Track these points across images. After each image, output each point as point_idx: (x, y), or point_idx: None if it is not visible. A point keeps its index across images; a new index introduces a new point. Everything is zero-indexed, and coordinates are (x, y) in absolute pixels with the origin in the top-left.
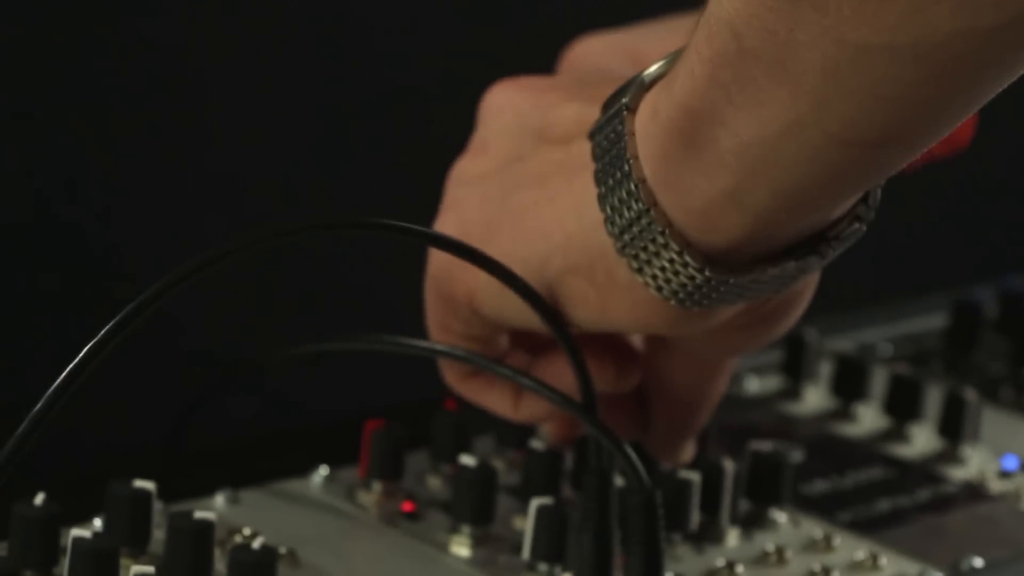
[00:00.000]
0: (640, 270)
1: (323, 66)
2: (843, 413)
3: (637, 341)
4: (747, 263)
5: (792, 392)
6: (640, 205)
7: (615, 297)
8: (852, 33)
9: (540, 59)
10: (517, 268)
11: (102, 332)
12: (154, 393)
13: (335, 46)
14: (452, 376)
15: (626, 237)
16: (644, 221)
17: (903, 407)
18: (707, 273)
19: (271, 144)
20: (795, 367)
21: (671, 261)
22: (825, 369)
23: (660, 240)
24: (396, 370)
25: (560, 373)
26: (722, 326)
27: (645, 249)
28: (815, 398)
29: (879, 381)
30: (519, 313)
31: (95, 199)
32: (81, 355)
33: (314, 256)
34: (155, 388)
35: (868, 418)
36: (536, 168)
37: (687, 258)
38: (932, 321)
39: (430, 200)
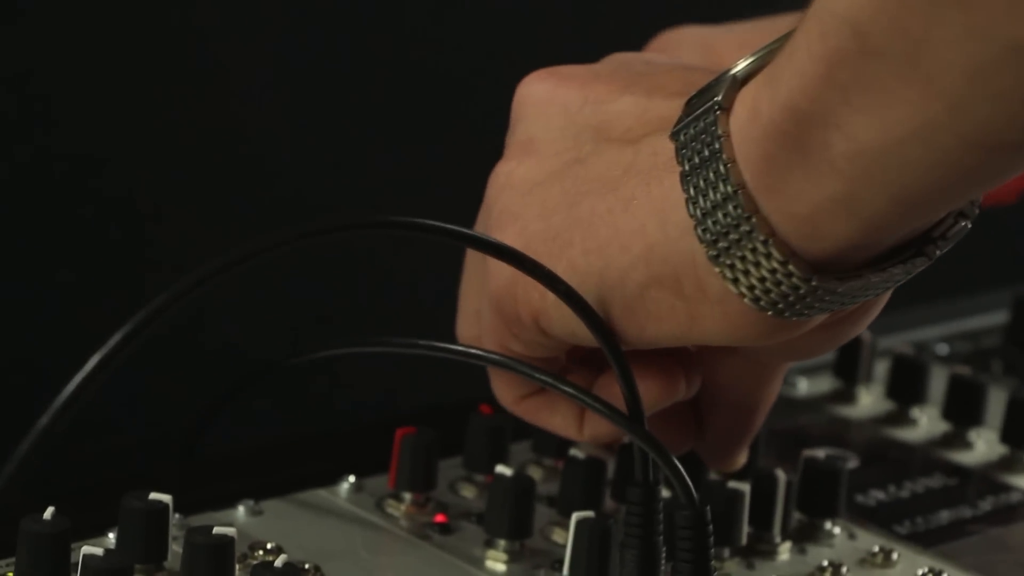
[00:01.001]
0: (736, 280)
1: (355, 55)
2: (899, 417)
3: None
4: (853, 269)
5: (845, 394)
6: (739, 211)
7: (705, 310)
8: (1003, 31)
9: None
10: (592, 283)
11: (112, 340)
12: (170, 398)
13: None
14: (510, 397)
15: (721, 245)
16: (744, 228)
17: (964, 411)
18: (814, 283)
19: (301, 134)
20: (848, 368)
21: (773, 271)
22: (880, 370)
23: (762, 249)
24: (427, 373)
25: (613, 393)
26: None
27: (743, 259)
28: (869, 401)
29: (938, 383)
30: (586, 333)
31: (121, 184)
32: (90, 365)
33: (339, 256)
34: (172, 393)
35: (926, 422)
36: (602, 171)
37: (792, 267)
38: (992, 319)
39: (467, 196)
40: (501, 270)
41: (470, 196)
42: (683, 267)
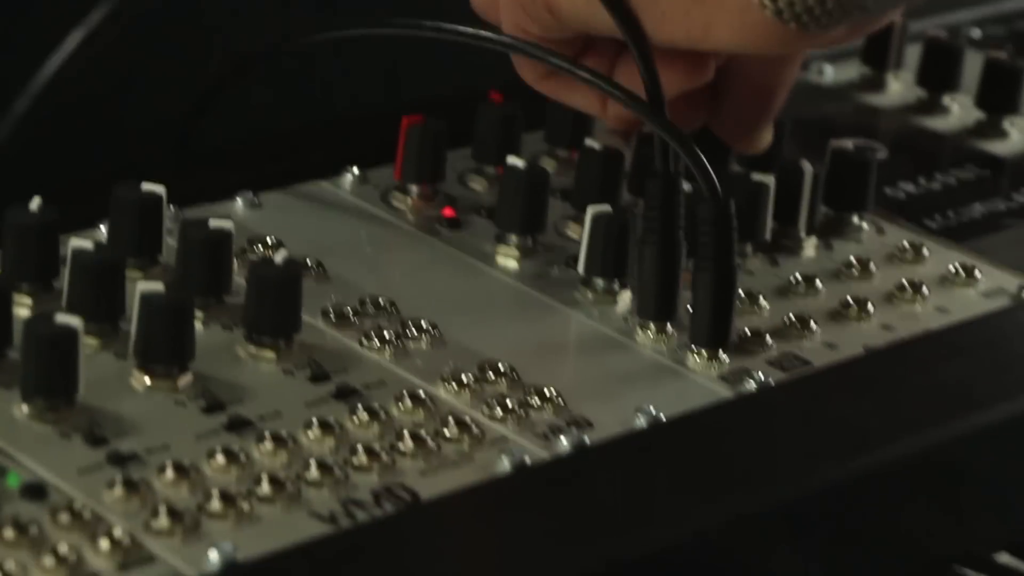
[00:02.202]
0: None
1: None
2: (931, 105)
3: None
4: None
5: (874, 81)
6: None
7: (722, 17)
8: None
9: None
10: None
11: (95, 15)
12: (164, 83)
13: None
14: (531, 74)
15: None
16: None
17: (999, 98)
18: None
19: None
20: (877, 54)
21: None
22: (911, 56)
23: None
24: (435, 59)
25: (635, 77)
26: None
27: None
28: (899, 88)
29: (971, 69)
30: (598, 18)
31: None
32: (70, 44)
33: None
34: (165, 78)
35: (958, 111)
36: None
37: None
38: None
39: None
40: None
41: None
42: None
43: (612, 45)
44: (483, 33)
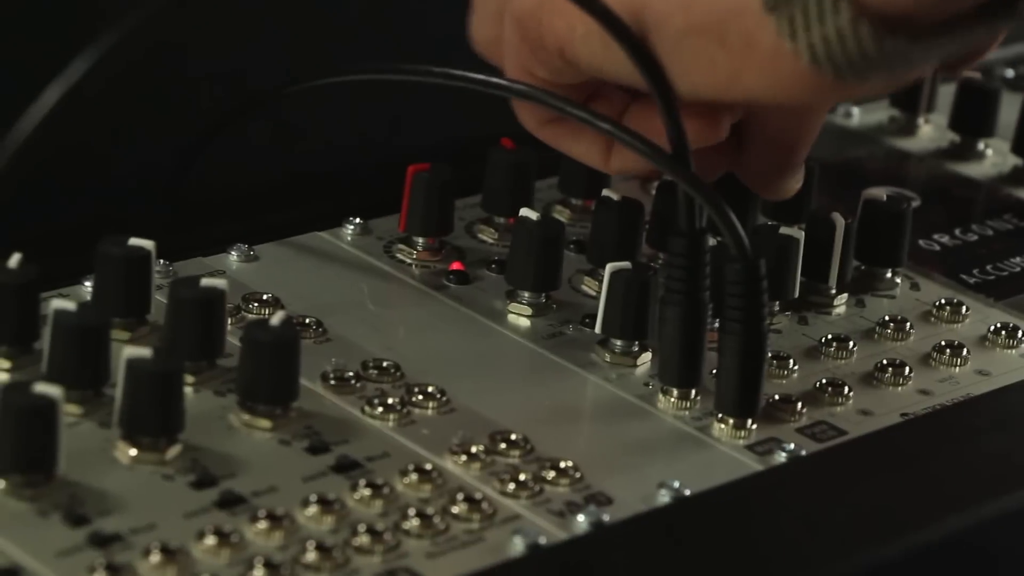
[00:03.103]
0: (794, 35)
1: None
2: (965, 150)
3: None
4: (930, 28)
5: (904, 126)
6: None
7: (751, 65)
8: None
9: None
10: (628, 24)
11: (74, 67)
12: (154, 131)
13: None
14: (533, 120)
15: None
16: None
17: None
18: (886, 42)
19: None
20: (908, 97)
21: (839, 29)
22: (943, 98)
23: (828, 3)
24: (443, 105)
25: (649, 125)
26: None
27: (805, 11)
28: (931, 132)
29: (1008, 111)
30: (617, 65)
31: None
32: (49, 97)
33: None
34: (156, 126)
35: (994, 156)
36: None
37: (862, 25)
38: None
39: None
40: None
41: None
42: (731, 16)
43: (620, 93)
44: (494, 80)
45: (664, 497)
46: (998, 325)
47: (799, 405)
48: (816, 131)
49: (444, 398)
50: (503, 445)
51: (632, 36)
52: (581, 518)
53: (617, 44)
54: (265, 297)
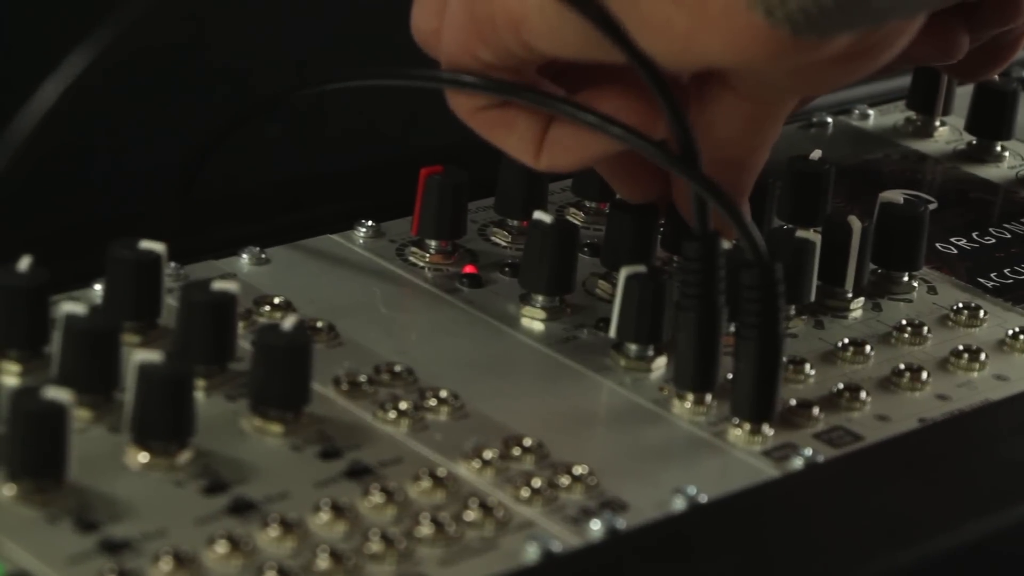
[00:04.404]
0: None
1: None
2: (982, 152)
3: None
4: None
5: (921, 128)
6: None
7: (707, 23)
8: None
9: None
10: None
11: (71, 63)
12: (165, 132)
13: None
14: (464, 106)
15: None
16: None
17: None
18: None
19: None
20: (924, 98)
21: None
22: (960, 99)
23: None
24: None
25: (615, 112)
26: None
27: None
28: (948, 135)
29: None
30: (577, 42)
31: None
32: (48, 94)
33: None
34: (166, 126)
35: (1011, 159)
36: None
37: None
38: None
39: None
40: None
41: None
42: None
43: (565, 79)
44: (505, 82)
45: (679, 503)
46: (1016, 329)
47: (815, 410)
48: (766, 148)
49: (457, 403)
50: (517, 450)
51: (597, 6)
52: (596, 525)
53: (572, 16)
54: (277, 300)
